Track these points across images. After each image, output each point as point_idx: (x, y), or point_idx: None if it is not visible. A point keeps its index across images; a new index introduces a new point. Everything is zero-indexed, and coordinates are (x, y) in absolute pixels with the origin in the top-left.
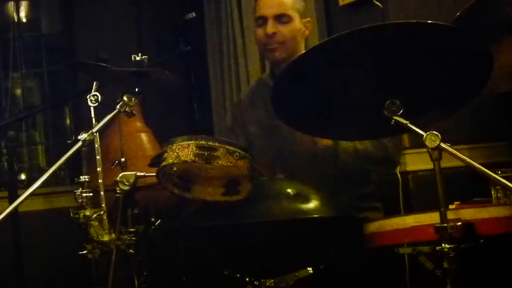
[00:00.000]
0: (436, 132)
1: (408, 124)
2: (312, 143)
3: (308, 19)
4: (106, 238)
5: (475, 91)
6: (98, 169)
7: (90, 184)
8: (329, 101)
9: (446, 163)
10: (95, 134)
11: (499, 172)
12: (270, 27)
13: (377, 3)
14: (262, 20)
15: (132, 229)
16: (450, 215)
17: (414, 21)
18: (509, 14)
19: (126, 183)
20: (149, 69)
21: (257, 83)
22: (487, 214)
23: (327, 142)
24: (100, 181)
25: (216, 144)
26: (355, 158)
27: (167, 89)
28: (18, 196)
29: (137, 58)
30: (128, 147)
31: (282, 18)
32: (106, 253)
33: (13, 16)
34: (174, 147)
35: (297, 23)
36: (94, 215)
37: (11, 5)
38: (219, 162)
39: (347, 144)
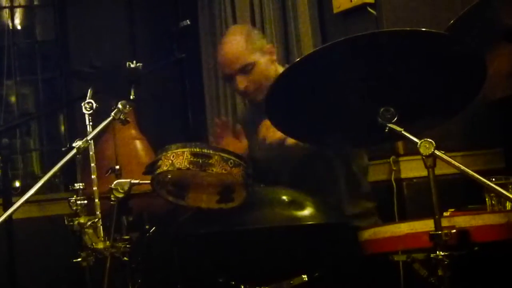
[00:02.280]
0: (430, 140)
1: (403, 132)
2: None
3: (268, 45)
4: (100, 245)
5: (469, 98)
6: (92, 176)
7: (85, 191)
8: (323, 109)
9: (440, 170)
10: (89, 141)
11: (493, 179)
12: (240, 83)
13: (371, 10)
14: (228, 78)
15: (126, 237)
16: (445, 222)
17: (408, 28)
18: (502, 21)
19: (121, 191)
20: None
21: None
22: (481, 221)
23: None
24: (94, 188)
25: (211, 151)
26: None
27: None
28: (12, 203)
29: (132, 65)
30: (122, 154)
31: (246, 68)
32: (100, 260)
33: (7, 23)
34: (168, 155)
35: (262, 60)
36: (89, 223)
37: (5, 12)
38: (214, 169)
39: None
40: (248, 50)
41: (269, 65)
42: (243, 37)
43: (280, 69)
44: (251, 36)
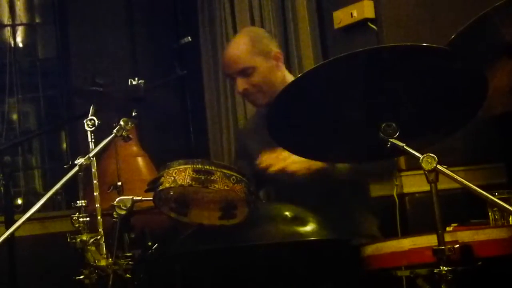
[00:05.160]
0: (432, 155)
1: (405, 147)
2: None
3: (275, 50)
4: (103, 262)
5: (471, 113)
6: (95, 193)
7: (87, 208)
8: (324, 124)
9: (443, 185)
10: (91, 158)
11: (496, 193)
12: (239, 85)
13: (372, 26)
14: (230, 78)
15: (128, 254)
16: (448, 238)
17: (409, 44)
18: (503, 36)
19: (123, 208)
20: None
21: (254, 115)
22: (484, 236)
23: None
24: (97, 205)
25: (213, 168)
26: (350, 168)
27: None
28: (14, 221)
29: (133, 83)
30: (124, 171)
31: (246, 71)
32: (103, 278)
33: (9, 41)
34: (170, 171)
35: (263, 66)
36: (91, 240)
37: (7, 30)
38: (216, 186)
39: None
40: (250, 53)
41: (273, 71)
42: (249, 39)
43: (289, 76)
44: (258, 40)
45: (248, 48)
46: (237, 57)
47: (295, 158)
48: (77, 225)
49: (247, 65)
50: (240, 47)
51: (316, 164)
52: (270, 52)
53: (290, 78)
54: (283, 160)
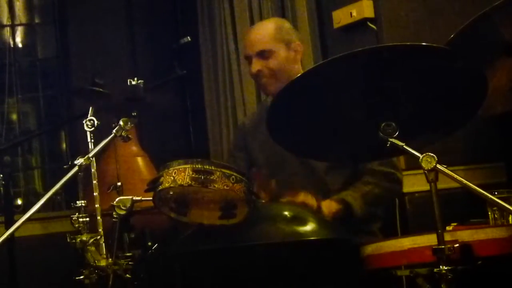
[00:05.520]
0: (432, 154)
1: (404, 146)
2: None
3: (297, 42)
4: (103, 263)
5: (471, 113)
6: (94, 193)
7: (87, 208)
8: (324, 124)
9: (442, 184)
10: (91, 158)
11: (496, 193)
12: (254, 66)
13: (372, 25)
14: (248, 59)
15: (128, 254)
16: (447, 237)
17: (408, 43)
18: (503, 36)
19: (123, 208)
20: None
21: (259, 108)
22: (484, 235)
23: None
24: (96, 205)
25: (213, 167)
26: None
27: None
28: (14, 221)
29: (133, 83)
30: (124, 171)
31: (264, 53)
32: (103, 278)
33: (8, 41)
34: (170, 171)
35: (282, 53)
36: (91, 240)
37: (6, 30)
38: (216, 185)
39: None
40: (272, 38)
41: (290, 60)
42: (274, 25)
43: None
44: (282, 28)
45: (271, 32)
46: (259, 38)
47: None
48: (77, 225)
49: (267, 48)
50: (264, 30)
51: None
52: (292, 42)
53: None
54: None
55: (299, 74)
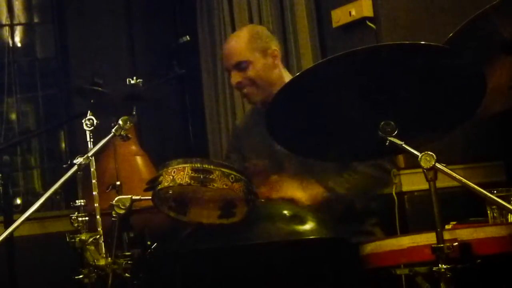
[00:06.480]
0: (431, 153)
1: (403, 145)
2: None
3: (274, 48)
4: (102, 262)
5: (470, 112)
6: (93, 193)
7: (86, 208)
8: (323, 123)
9: (441, 183)
10: (90, 158)
11: (495, 191)
12: (233, 78)
13: (371, 24)
14: (227, 72)
15: (128, 253)
16: (447, 236)
17: (407, 42)
18: (502, 34)
19: (122, 207)
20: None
21: (251, 111)
22: (483, 234)
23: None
24: (96, 205)
25: (212, 167)
26: (348, 191)
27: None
28: (13, 221)
29: (132, 82)
30: (123, 170)
31: (241, 65)
32: (102, 277)
33: (7, 41)
34: (169, 170)
35: (259, 62)
36: (90, 239)
37: (5, 30)
38: (215, 184)
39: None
40: (247, 48)
41: (269, 68)
42: (248, 35)
43: (286, 74)
44: (256, 36)
45: (246, 42)
46: (233, 50)
47: (292, 186)
48: (76, 224)
49: (242, 59)
50: (238, 41)
51: (318, 192)
52: (268, 49)
53: (287, 76)
54: (278, 190)
55: (299, 74)
